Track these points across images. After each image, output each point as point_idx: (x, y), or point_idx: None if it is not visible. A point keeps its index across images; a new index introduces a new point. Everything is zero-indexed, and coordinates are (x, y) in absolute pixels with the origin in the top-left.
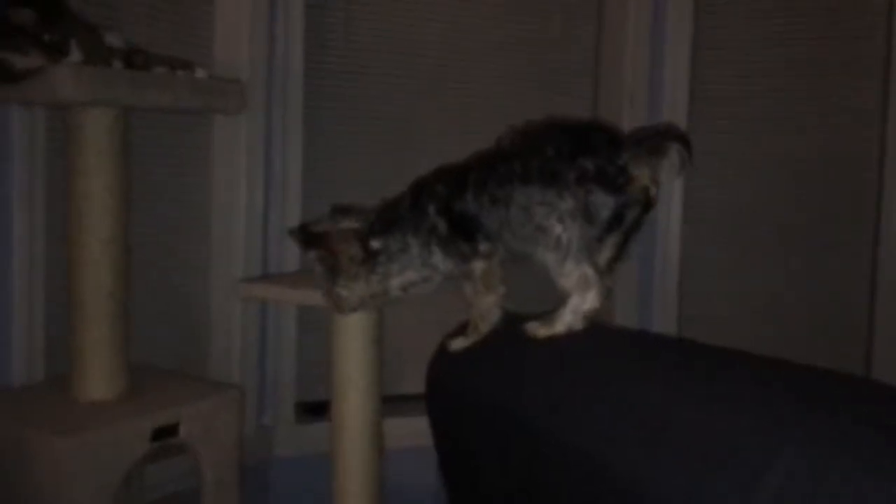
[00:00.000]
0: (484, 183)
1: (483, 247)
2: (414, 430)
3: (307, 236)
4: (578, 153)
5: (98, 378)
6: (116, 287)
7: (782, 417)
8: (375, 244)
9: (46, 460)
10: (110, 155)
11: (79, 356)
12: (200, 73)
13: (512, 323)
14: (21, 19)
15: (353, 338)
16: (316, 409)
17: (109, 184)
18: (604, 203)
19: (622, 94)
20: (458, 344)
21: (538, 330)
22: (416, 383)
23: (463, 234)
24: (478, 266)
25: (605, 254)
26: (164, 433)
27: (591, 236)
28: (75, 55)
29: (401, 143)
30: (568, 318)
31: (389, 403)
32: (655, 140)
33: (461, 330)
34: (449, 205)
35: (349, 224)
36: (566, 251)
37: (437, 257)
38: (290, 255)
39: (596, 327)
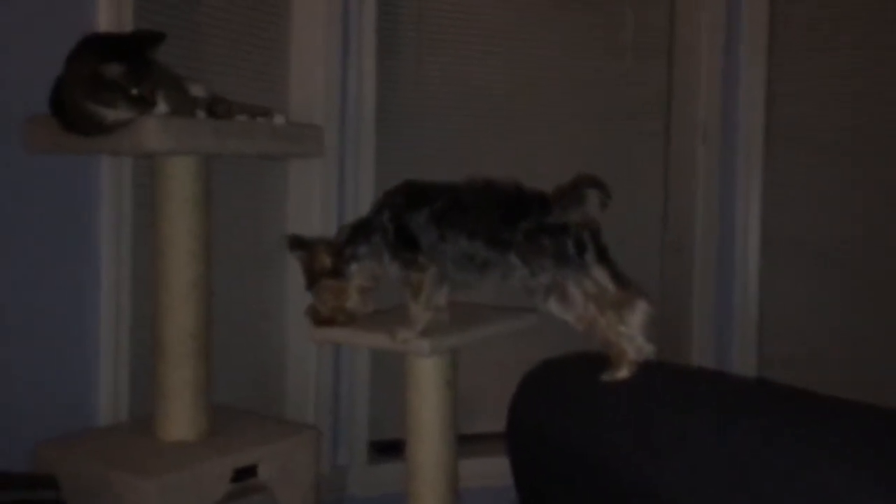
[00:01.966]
0: (438, 219)
1: (422, 259)
2: (488, 470)
3: (296, 241)
4: (518, 217)
5: (181, 418)
6: (199, 329)
7: (891, 470)
8: (348, 251)
9: (131, 500)
10: (194, 201)
11: (162, 397)
12: (279, 120)
13: (591, 363)
14: (111, 74)
15: (427, 381)
16: (389, 448)
17: (193, 229)
18: (560, 241)
19: (695, 130)
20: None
21: (615, 375)
22: (489, 422)
23: (404, 244)
24: (415, 276)
25: (602, 280)
26: (244, 474)
27: (573, 272)
28: (162, 107)
29: None
30: (632, 353)
31: (463, 443)
32: (574, 191)
33: (543, 368)
34: (401, 215)
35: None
36: (564, 297)
37: (386, 258)
38: None
39: (678, 368)
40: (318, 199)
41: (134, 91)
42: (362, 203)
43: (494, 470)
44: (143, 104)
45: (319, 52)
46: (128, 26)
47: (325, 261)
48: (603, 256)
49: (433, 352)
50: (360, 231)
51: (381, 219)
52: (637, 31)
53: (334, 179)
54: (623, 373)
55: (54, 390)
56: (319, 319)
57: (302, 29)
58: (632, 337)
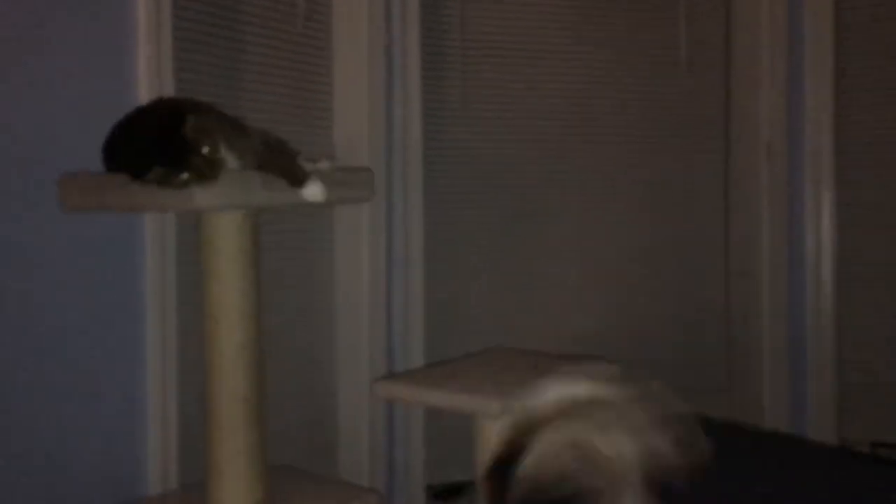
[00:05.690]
0: None
1: None
2: None
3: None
4: None
5: (235, 489)
6: (252, 392)
7: None
8: None
9: None
10: (243, 258)
11: (215, 466)
12: (323, 165)
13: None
14: (194, 129)
15: None
16: (446, 493)
17: (242, 287)
18: None
19: (758, 146)
20: None
21: None
22: None
23: None
24: None
25: None
26: None
27: None
28: (231, 161)
29: (524, 215)
30: None
31: None
32: None
33: None
34: None
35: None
36: None
37: None
38: (414, 338)
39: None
40: (367, 244)
41: (204, 149)
42: (412, 245)
43: None
44: (214, 167)
45: (363, 88)
46: (167, 63)
47: None
48: None
49: None
50: None
51: None
52: (691, 43)
53: (382, 221)
54: None
55: (100, 458)
56: None
57: (345, 65)
58: None
